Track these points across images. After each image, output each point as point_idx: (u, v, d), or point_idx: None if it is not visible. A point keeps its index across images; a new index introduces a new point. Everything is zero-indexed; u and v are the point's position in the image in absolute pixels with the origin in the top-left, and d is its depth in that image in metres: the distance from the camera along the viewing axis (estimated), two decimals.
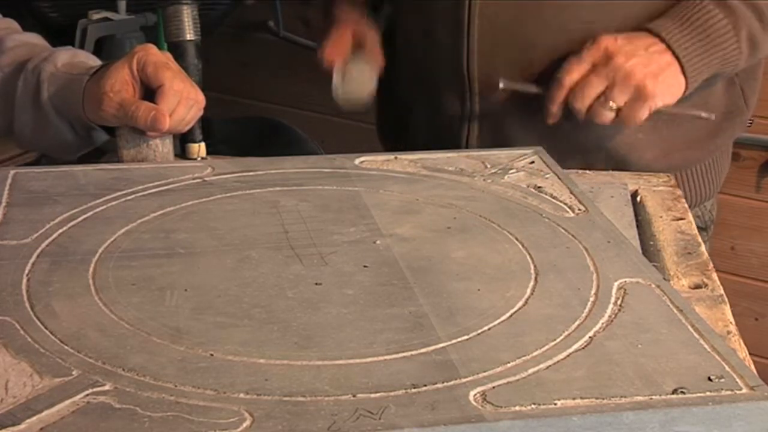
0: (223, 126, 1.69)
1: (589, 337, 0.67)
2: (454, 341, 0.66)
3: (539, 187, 0.96)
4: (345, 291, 0.73)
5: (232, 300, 0.72)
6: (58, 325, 0.67)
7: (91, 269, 0.76)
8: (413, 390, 0.60)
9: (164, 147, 1.04)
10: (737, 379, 0.62)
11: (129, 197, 0.90)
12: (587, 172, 1.11)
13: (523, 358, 0.64)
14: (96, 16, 1.94)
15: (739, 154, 1.96)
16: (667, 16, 1.12)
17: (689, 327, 0.69)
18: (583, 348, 0.66)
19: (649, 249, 0.93)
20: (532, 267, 0.78)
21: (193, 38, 1.12)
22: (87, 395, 0.59)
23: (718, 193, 1.33)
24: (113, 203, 0.89)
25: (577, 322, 0.69)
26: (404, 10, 1.27)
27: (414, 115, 1.30)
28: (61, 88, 1.04)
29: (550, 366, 0.63)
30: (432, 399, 0.59)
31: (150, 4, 1.98)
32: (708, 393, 0.60)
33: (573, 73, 1.10)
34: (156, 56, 1.00)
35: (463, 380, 0.61)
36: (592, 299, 0.73)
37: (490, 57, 1.16)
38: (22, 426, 0.56)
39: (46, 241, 0.80)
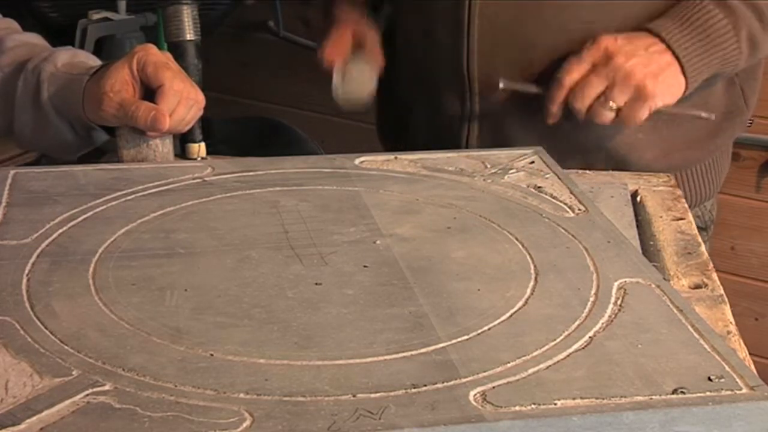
0: (223, 126, 1.69)
1: (589, 337, 0.67)
2: (454, 341, 0.66)
3: (539, 187, 0.96)
4: (345, 291, 0.73)
5: (232, 300, 0.72)
6: (58, 325, 0.67)
7: (91, 269, 0.76)
8: (413, 390, 0.60)
9: (164, 147, 1.04)
10: (737, 379, 0.62)
11: (129, 197, 0.90)
12: (587, 172, 1.11)
13: (523, 358, 0.64)
14: (96, 16, 1.94)
15: (739, 154, 1.96)
16: (667, 16, 1.12)
17: (689, 327, 0.69)
18: (583, 348, 0.66)
19: (649, 249, 0.93)
20: (532, 267, 0.78)
21: (193, 38, 1.12)
22: (87, 395, 0.59)
23: (718, 193, 1.33)
24: (113, 203, 0.89)
25: (577, 322, 0.69)
26: (404, 10, 1.27)
27: (414, 115, 1.30)
28: (61, 88, 1.04)
29: (550, 366, 0.63)
30: (432, 399, 0.59)
31: (150, 4, 1.98)
32: (708, 393, 0.60)
33: (573, 73, 1.10)
34: (156, 56, 1.00)
35: (463, 380, 0.61)
36: (592, 299, 0.73)
37: (490, 57, 1.16)
38: (22, 426, 0.56)
39: (46, 241, 0.80)
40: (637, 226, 0.97)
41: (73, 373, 0.61)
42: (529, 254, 0.81)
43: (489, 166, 1.01)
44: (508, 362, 0.63)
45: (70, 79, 1.04)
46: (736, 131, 1.28)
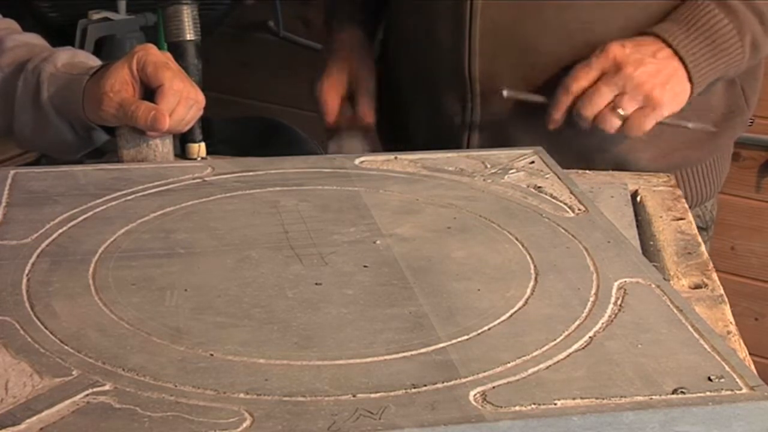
0: (223, 126, 1.69)
1: (589, 337, 0.67)
2: (454, 341, 0.66)
3: (539, 187, 0.95)
4: (345, 291, 0.73)
5: (232, 300, 0.72)
6: (58, 325, 0.67)
7: (91, 269, 0.76)
8: (413, 390, 0.60)
9: (164, 147, 1.04)
10: (737, 379, 0.62)
11: (129, 197, 0.90)
12: (587, 172, 1.11)
13: (523, 358, 0.64)
14: (96, 16, 1.94)
15: (739, 154, 1.96)
16: (672, 20, 1.11)
17: (689, 327, 0.69)
18: (583, 348, 0.66)
19: (649, 249, 0.93)
20: (532, 267, 0.78)
21: (193, 38, 1.12)
22: (87, 395, 0.59)
23: (718, 193, 1.33)
24: (113, 203, 0.88)
25: (577, 322, 0.69)
26: (404, 10, 1.27)
27: (414, 115, 1.30)
28: (61, 88, 1.04)
29: (550, 366, 0.63)
30: (432, 399, 0.59)
31: (150, 4, 1.98)
32: (708, 393, 0.60)
33: (581, 81, 1.09)
34: (156, 56, 1.00)
35: (463, 380, 0.61)
36: (592, 299, 0.73)
37: (492, 57, 1.16)
38: (22, 426, 0.56)
39: (46, 241, 0.80)
40: (637, 226, 0.97)
41: (73, 373, 0.61)
42: (529, 254, 0.81)
43: (489, 166, 1.01)
44: (508, 362, 0.63)
45: (70, 79, 1.04)
46: (736, 131, 1.28)
